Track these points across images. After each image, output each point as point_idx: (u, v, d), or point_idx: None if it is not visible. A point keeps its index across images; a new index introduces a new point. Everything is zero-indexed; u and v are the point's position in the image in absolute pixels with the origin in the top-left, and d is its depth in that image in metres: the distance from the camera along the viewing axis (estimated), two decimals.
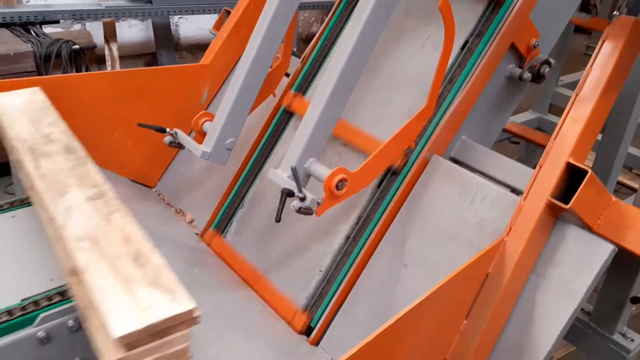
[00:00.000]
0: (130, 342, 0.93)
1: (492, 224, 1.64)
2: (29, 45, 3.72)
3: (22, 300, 1.34)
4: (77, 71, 3.93)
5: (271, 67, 2.04)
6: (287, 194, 1.55)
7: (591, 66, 1.69)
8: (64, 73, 3.82)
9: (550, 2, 1.96)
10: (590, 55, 1.71)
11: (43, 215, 1.31)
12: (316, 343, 1.78)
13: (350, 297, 1.79)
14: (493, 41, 1.85)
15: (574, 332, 1.82)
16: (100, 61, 5.00)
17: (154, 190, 2.51)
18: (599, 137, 2.97)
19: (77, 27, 5.20)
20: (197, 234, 2.26)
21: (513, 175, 1.75)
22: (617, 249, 1.48)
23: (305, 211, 1.54)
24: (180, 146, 1.97)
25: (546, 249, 1.56)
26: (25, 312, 1.30)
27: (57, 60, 3.82)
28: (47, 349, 1.29)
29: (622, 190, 4.36)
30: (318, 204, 1.54)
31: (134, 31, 5.77)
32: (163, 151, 2.30)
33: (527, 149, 4.11)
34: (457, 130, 1.88)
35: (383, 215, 1.81)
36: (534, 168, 1.61)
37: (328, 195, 1.55)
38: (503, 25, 1.85)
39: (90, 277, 1.04)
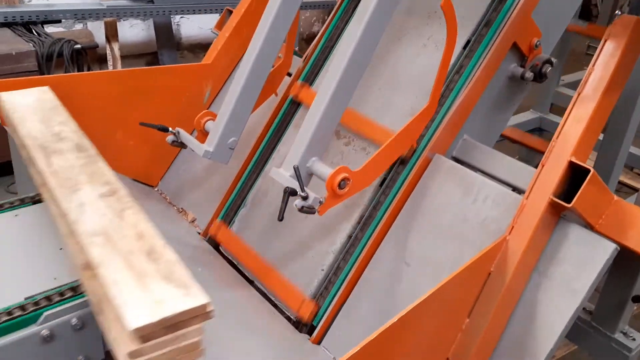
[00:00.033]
0: (145, 334, 0.94)
1: (494, 223, 1.64)
2: (31, 44, 3.73)
3: (26, 298, 1.34)
4: (78, 71, 3.93)
5: (273, 66, 2.04)
6: (290, 192, 1.56)
7: (593, 65, 1.70)
8: (65, 72, 3.82)
9: (552, 1, 1.96)
10: (591, 55, 1.72)
11: (55, 211, 1.31)
12: (318, 342, 1.78)
13: (353, 296, 1.79)
14: (495, 40, 1.85)
15: (576, 331, 1.82)
16: (101, 61, 5.01)
17: (155, 189, 2.51)
18: (601, 136, 2.97)
19: (78, 26, 5.22)
20: (199, 233, 2.27)
21: (515, 174, 1.75)
22: (619, 248, 1.49)
23: (307, 210, 1.54)
24: (182, 145, 1.97)
25: (548, 248, 1.56)
26: (28, 310, 1.30)
27: (59, 60, 3.83)
28: (51, 347, 1.30)
29: (624, 189, 4.36)
30: (320, 202, 1.55)
31: (135, 31, 5.78)
32: (165, 150, 2.30)
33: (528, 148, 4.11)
34: (459, 129, 1.89)
35: (385, 214, 1.82)
36: (536, 167, 1.61)
37: (330, 194, 1.56)
38: (505, 24, 1.86)
39: (105, 271, 1.05)
